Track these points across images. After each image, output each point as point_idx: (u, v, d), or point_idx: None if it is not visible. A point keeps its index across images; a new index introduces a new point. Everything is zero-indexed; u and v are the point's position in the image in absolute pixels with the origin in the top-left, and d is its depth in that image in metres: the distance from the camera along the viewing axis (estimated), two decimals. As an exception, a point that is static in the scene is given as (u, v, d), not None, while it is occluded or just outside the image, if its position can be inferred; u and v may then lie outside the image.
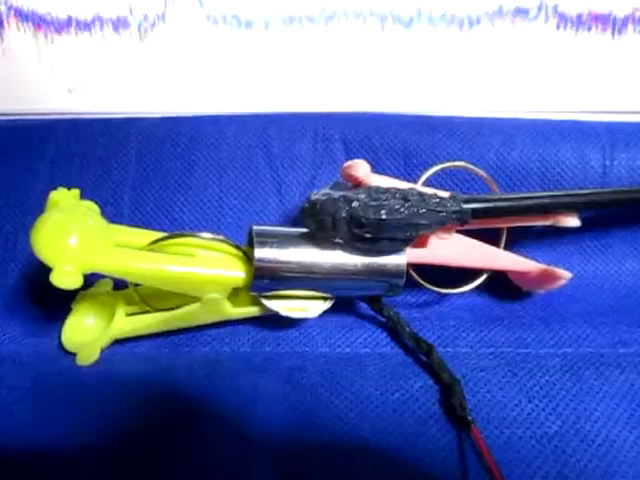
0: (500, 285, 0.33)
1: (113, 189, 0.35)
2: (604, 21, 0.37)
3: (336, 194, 0.27)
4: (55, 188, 0.28)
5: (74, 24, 0.38)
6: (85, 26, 0.38)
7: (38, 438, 0.25)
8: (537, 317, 0.31)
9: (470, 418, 0.24)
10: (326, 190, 0.28)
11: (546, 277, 0.31)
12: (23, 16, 0.37)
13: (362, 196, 0.27)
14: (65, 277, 0.24)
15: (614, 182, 0.34)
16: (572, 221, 0.31)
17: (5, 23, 0.37)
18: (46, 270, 0.24)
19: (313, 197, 0.27)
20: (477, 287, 0.31)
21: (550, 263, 0.33)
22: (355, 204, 0.26)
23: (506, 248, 0.32)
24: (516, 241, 0.34)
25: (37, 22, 0.37)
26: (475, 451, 0.24)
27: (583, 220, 0.32)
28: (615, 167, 0.34)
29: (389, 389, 0.26)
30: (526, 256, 0.32)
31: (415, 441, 0.24)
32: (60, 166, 0.36)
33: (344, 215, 0.26)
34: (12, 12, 0.37)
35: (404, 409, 0.25)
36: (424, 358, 0.27)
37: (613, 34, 0.37)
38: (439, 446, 0.24)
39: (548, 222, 0.31)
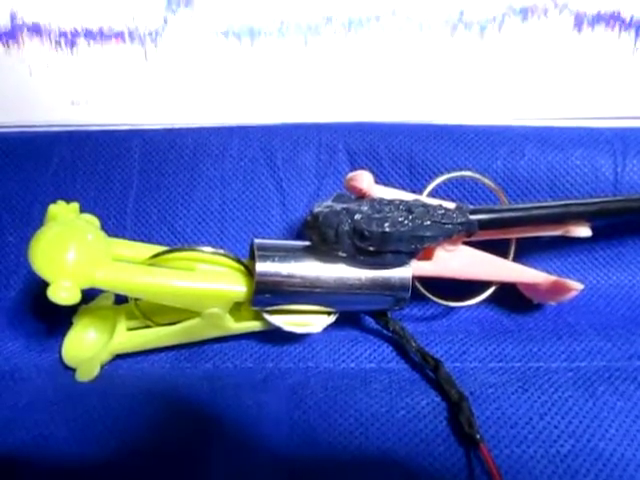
0: (510, 297, 0.32)
1: (116, 201, 0.35)
2: (616, 25, 0.37)
3: (338, 206, 0.27)
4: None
5: (78, 37, 0.38)
6: (89, 39, 0.38)
7: (36, 456, 0.24)
8: (548, 330, 0.30)
9: (479, 436, 0.23)
10: (329, 202, 0.28)
11: (557, 289, 0.30)
12: (28, 29, 0.37)
13: (365, 208, 0.26)
14: (62, 292, 0.23)
15: (626, 189, 0.33)
16: (583, 231, 0.30)
17: (8, 34, 0.37)
18: (49, 284, 0.23)
19: (315, 210, 0.27)
20: (486, 299, 0.30)
21: (561, 274, 0.32)
22: (358, 217, 0.26)
23: (515, 259, 0.31)
24: (525, 252, 0.33)
25: (42, 35, 0.38)
26: (484, 471, 0.23)
27: (595, 229, 0.31)
28: (627, 174, 0.34)
29: (395, 406, 0.25)
30: (536, 267, 0.32)
31: (422, 460, 0.24)
32: (63, 178, 0.36)
33: (347, 228, 0.26)
34: (16, 25, 0.37)
35: (410, 427, 0.25)
36: (431, 374, 0.27)
37: (624, 39, 0.37)
38: (447, 465, 0.23)
39: (558, 232, 0.31)
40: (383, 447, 0.24)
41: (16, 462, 0.24)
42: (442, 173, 0.32)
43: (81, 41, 0.38)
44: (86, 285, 0.24)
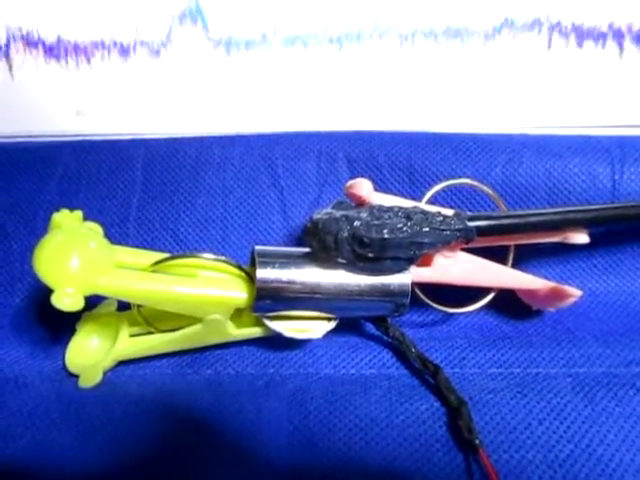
0: (509, 304, 0.32)
1: (119, 209, 0.35)
2: (612, 35, 0.37)
3: (338, 213, 0.27)
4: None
5: (82, 48, 0.38)
6: (93, 50, 0.38)
7: (38, 463, 0.24)
8: (547, 336, 0.30)
9: (478, 441, 0.23)
10: (328, 209, 0.28)
11: (556, 295, 0.30)
12: (32, 41, 0.38)
13: (364, 215, 0.26)
14: (66, 299, 0.23)
15: (624, 197, 0.34)
16: (581, 237, 0.30)
17: (15, 47, 0.38)
18: (53, 291, 0.24)
19: (315, 216, 0.27)
20: (485, 306, 0.30)
21: (560, 280, 0.32)
22: (357, 223, 0.26)
23: (514, 266, 0.31)
24: (524, 258, 0.33)
25: (46, 46, 0.38)
26: (483, 476, 0.23)
27: (594, 236, 0.31)
28: (625, 181, 0.34)
29: (394, 411, 0.25)
30: (535, 274, 0.32)
31: (421, 465, 0.24)
32: (68, 187, 0.36)
33: (346, 235, 0.26)
34: (21, 37, 0.38)
35: (410, 432, 0.25)
36: (431, 379, 0.27)
37: (621, 48, 0.37)
38: (446, 471, 0.23)
39: (556, 239, 0.31)
40: (383, 452, 0.24)
41: (19, 469, 0.25)
42: (441, 181, 0.32)
43: (85, 52, 0.38)
44: (89, 292, 0.25)
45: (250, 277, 0.28)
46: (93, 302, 0.31)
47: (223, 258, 0.27)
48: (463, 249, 0.30)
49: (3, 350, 0.30)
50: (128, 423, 0.26)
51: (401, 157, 0.35)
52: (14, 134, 0.40)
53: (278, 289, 0.27)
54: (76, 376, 0.28)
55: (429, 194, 0.31)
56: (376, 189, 0.29)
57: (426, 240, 0.27)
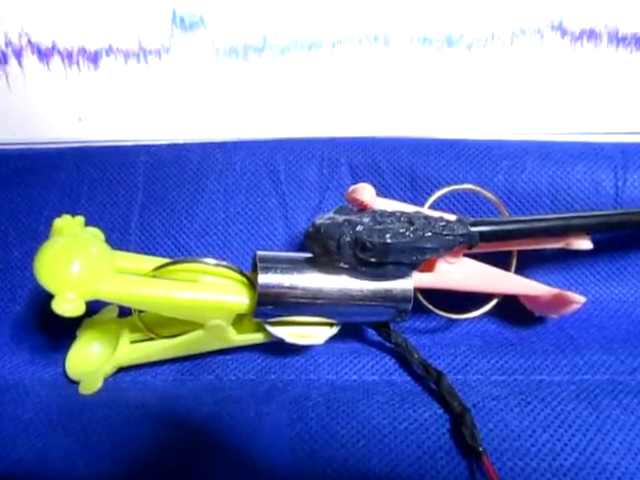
0: (512, 310, 0.32)
1: (121, 215, 0.35)
2: (616, 40, 0.37)
3: (340, 218, 0.27)
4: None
5: (84, 55, 0.38)
6: (95, 56, 0.38)
7: (38, 470, 0.24)
8: (551, 343, 0.30)
9: (482, 448, 0.23)
10: (330, 214, 0.28)
11: (559, 301, 0.30)
12: (35, 47, 0.38)
13: (366, 220, 0.26)
14: (67, 304, 0.23)
15: (627, 203, 0.34)
16: (584, 243, 0.30)
17: (16, 54, 0.38)
18: (53, 297, 0.24)
19: (317, 221, 0.27)
20: (488, 312, 0.30)
21: (563, 287, 0.32)
22: (359, 228, 0.26)
23: (517, 272, 0.31)
24: (527, 264, 0.33)
25: (48, 53, 0.38)
26: (487, 483, 0.23)
27: (597, 242, 0.31)
28: (628, 188, 0.34)
29: (397, 418, 0.25)
30: (538, 280, 0.32)
31: (424, 472, 0.23)
32: (69, 193, 0.36)
33: (348, 239, 0.26)
34: (24, 43, 0.38)
35: (413, 439, 0.25)
36: (434, 386, 0.27)
37: (625, 55, 0.37)
38: (449, 478, 0.23)
39: (559, 245, 0.31)
40: (385, 459, 0.24)
41: (19, 476, 0.24)
42: (443, 187, 0.32)
43: (87, 59, 0.38)
44: (90, 297, 0.24)
45: (252, 282, 0.27)
46: (94, 308, 0.31)
47: (224, 263, 0.27)
48: (466, 255, 0.29)
49: (3, 357, 0.30)
50: (129, 429, 0.26)
51: (403, 163, 0.35)
52: (16, 141, 0.40)
53: (280, 294, 0.27)
54: (76, 382, 0.28)
55: (431, 199, 0.31)
56: (378, 195, 0.29)
57: (428, 245, 0.26)
